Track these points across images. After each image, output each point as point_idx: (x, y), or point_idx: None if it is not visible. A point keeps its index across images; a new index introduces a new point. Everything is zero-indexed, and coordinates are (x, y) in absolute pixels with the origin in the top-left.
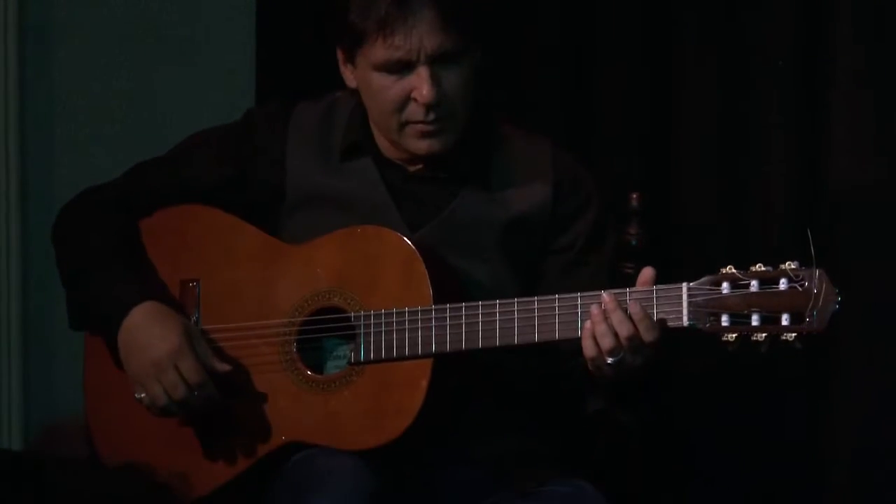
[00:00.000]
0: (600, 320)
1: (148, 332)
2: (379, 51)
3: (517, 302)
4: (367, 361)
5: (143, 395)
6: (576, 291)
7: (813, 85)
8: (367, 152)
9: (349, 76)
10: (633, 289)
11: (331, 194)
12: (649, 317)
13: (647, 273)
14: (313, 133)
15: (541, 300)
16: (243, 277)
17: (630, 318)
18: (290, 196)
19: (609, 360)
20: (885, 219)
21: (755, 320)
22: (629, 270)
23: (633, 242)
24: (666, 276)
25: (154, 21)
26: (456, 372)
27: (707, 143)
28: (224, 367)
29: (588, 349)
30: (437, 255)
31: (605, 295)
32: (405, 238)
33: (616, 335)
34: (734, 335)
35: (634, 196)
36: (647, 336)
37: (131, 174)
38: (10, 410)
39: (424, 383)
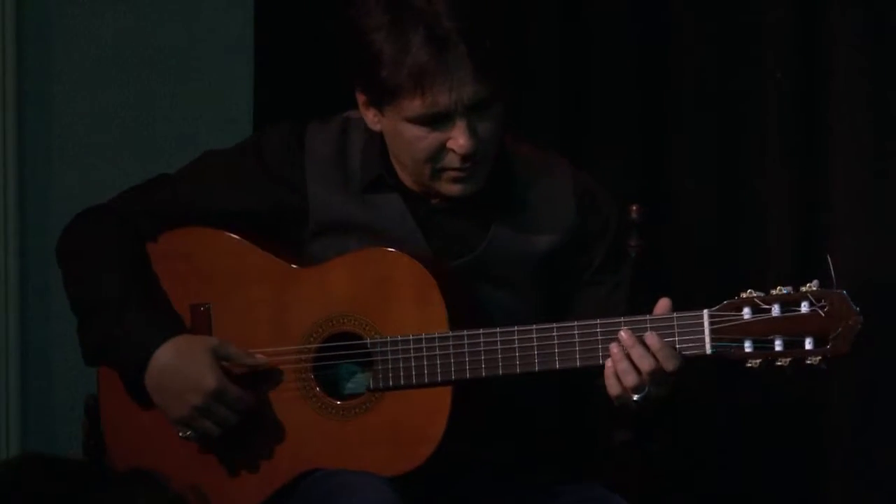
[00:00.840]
0: (621, 358)
1: (181, 376)
2: (415, 105)
3: (535, 329)
4: (386, 388)
5: (189, 433)
6: (594, 311)
7: (811, 93)
8: (394, 188)
9: (372, 119)
10: (653, 316)
11: (357, 222)
12: (668, 346)
13: (664, 304)
14: (331, 159)
15: (560, 327)
16: (254, 301)
17: (649, 350)
18: (314, 222)
19: (635, 398)
20: (884, 223)
21: (778, 345)
22: None
23: (633, 254)
24: (665, 289)
25: (152, 33)
26: (477, 397)
27: (706, 154)
28: (263, 359)
29: (612, 388)
30: (451, 279)
31: (623, 332)
32: (418, 261)
33: (638, 371)
34: (758, 360)
35: (634, 208)
36: (669, 366)
37: (141, 194)
38: (9, 414)
39: (446, 411)
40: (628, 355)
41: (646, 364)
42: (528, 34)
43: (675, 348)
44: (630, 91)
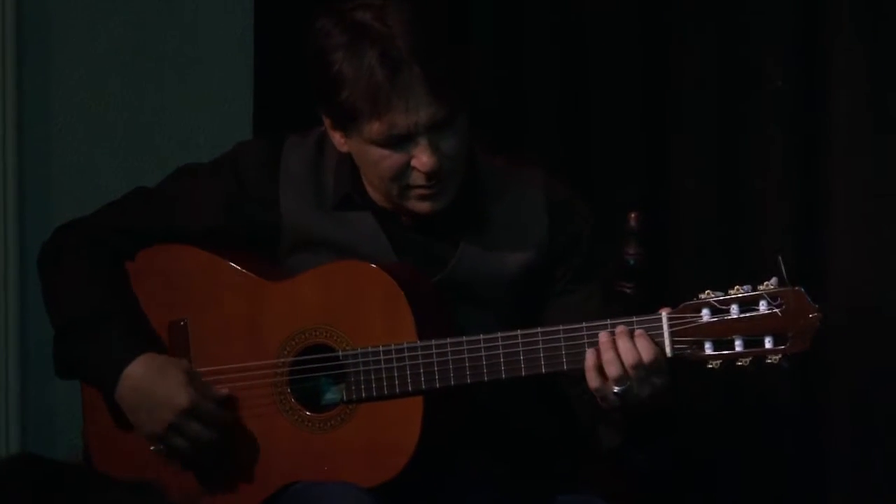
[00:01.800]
0: (608, 348)
1: (152, 393)
2: (375, 128)
3: (501, 336)
4: (360, 400)
5: (161, 447)
6: (565, 320)
7: (812, 99)
8: (365, 206)
9: (339, 141)
10: (614, 321)
11: (330, 239)
12: (650, 340)
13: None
14: (305, 177)
15: (524, 334)
16: (230, 316)
17: (635, 345)
18: (287, 239)
19: (616, 390)
20: (883, 227)
21: (738, 345)
22: (628, 290)
23: (632, 262)
24: (665, 295)
25: (152, 39)
26: (451, 406)
27: (706, 160)
28: (224, 391)
29: (592, 381)
30: (422, 288)
31: (619, 328)
32: (386, 272)
33: (622, 362)
34: (718, 361)
35: (633, 215)
36: (646, 356)
37: (118, 210)
38: (8, 418)
39: (418, 420)
40: (615, 345)
41: (630, 357)
42: (525, 37)
43: (655, 343)
44: (631, 94)
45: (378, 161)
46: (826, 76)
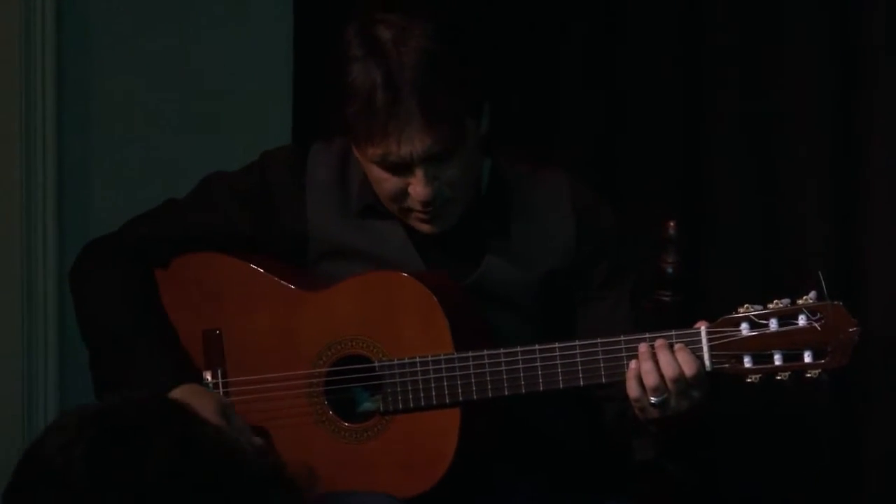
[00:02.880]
0: (647, 358)
1: None
2: (371, 151)
3: (539, 349)
4: (396, 410)
5: None
6: (597, 327)
7: (849, 118)
8: (389, 215)
9: (354, 151)
10: (652, 334)
11: (358, 248)
12: (691, 353)
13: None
14: (331, 184)
15: (562, 346)
16: (264, 326)
17: (675, 358)
18: (314, 247)
19: (653, 400)
20: None
21: (777, 359)
22: (666, 298)
23: (670, 270)
24: (702, 307)
25: (192, 52)
26: (487, 418)
27: (746, 172)
28: (259, 440)
29: (633, 390)
30: (456, 296)
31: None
32: (420, 282)
33: (661, 374)
34: (758, 375)
35: (671, 224)
36: (688, 370)
37: (149, 220)
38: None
39: (455, 432)
40: (654, 355)
41: (670, 370)
42: (559, 49)
43: (697, 357)
44: (670, 103)
45: (378, 181)
46: (865, 92)
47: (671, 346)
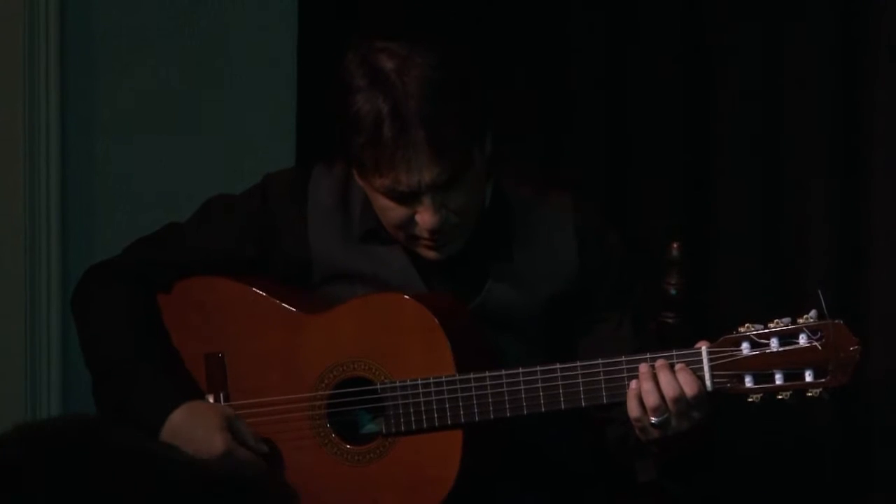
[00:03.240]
0: (647, 377)
1: (191, 438)
2: (378, 182)
3: (540, 370)
4: (399, 433)
5: None
6: (600, 348)
7: (855, 130)
8: (390, 240)
9: (355, 175)
10: (653, 354)
11: (361, 272)
12: (692, 374)
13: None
14: (333, 208)
15: (563, 368)
16: (266, 349)
17: (676, 379)
18: (318, 271)
19: (654, 420)
20: None
21: (778, 379)
22: (670, 320)
23: (674, 292)
24: (705, 319)
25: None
26: (490, 439)
27: (748, 191)
28: (263, 447)
29: (633, 410)
30: (459, 318)
31: (659, 361)
32: (422, 304)
33: (662, 395)
34: (759, 395)
35: (675, 245)
36: (689, 390)
37: (151, 244)
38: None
39: (458, 453)
40: (655, 376)
41: (671, 390)
42: (571, 63)
43: (698, 377)
44: (673, 124)
45: (384, 209)
46: (869, 107)
47: (672, 367)
